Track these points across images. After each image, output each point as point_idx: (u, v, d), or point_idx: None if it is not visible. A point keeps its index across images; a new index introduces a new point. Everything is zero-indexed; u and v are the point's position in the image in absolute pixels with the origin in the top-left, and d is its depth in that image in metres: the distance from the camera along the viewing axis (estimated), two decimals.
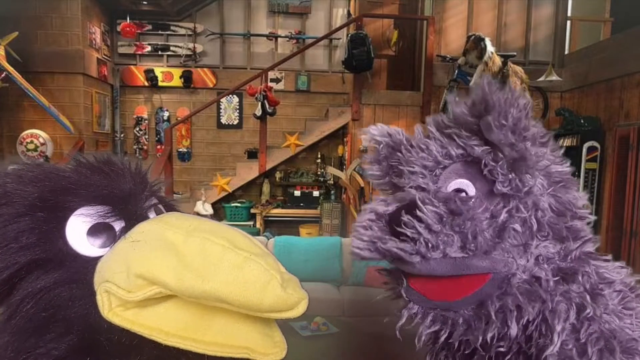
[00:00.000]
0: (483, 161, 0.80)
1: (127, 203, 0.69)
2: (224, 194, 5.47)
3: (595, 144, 4.53)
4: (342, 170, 5.46)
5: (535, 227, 0.81)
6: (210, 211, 5.26)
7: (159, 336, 0.58)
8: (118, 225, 0.67)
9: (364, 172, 5.00)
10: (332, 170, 5.50)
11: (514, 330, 0.78)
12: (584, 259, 0.83)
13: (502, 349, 0.82)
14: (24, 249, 0.63)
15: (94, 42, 5.55)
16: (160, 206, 0.78)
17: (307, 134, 5.49)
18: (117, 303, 0.59)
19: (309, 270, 3.96)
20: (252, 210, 5.63)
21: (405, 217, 0.76)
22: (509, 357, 0.82)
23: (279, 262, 0.64)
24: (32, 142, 4.99)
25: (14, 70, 4.64)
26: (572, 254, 0.82)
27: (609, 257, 0.89)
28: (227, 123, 6.42)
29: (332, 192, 5.92)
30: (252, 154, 5.80)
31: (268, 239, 4.27)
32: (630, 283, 0.84)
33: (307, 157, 6.22)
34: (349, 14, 6.15)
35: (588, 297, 0.78)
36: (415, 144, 0.89)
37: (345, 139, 5.80)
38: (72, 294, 0.63)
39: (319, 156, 6.18)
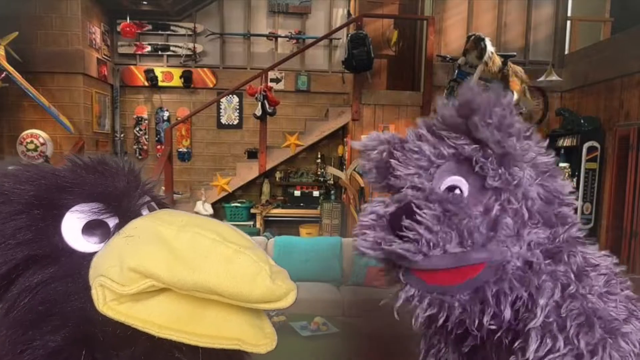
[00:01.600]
0: (474, 158, 0.85)
1: (121, 200, 0.71)
2: (224, 194, 5.47)
3: (595, 144, 4.53)
4: (342, 170, 5.46)
5: (526, 216, 0.86)
6: (210, 211, 5.26)
7: (152, 329, 0.60)
8: (112, 222, 0.69)
9: (363, 172, 5.02)
10: (332, 170, 5.50)
11: (507, 313, 0.84)
12: (571, 242, 0.89)
13: (493, 327, 0.87)
14: (20, 245, 0.65)
15: (94, 42, 5.55)
16: (153, 204, 0.81)
17: (307, 134, 5.49)
18: (111, 297, 0.61)
19: (309, 270, 3.96)
20: (252, 210, 5.63)
21: (406, 222, 0.81)
22: (499, 334, 0.87)
23: (269, 256, 0.67)
24: (32, 142, 4.99)
25: (14, 70, 4.64)
26: (560, 237, 0.88)
27: (595, 244, 0.94)
28: (227, 123, 6.42)
29: (332, 192, 5.92)
30: (252, 154, 5.80)
31: (268, 239, 4.27)
32: (614, 270, 0.89)
33: (307, 157, 6.22)
34: (349, 14, 6.15)
35: (573, 276, 0.83)
36: (407, 146, 0.94)
37: (345, 139, 5.80)
38: (68, 288, 0.65)
39: (319, 156, 6.18)
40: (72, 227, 0.67)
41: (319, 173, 6.12)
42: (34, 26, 5.10)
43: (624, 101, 4.30)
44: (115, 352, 0.64)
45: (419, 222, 0.80)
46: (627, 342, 0.79)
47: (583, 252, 0.88)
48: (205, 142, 6.43)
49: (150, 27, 6.23)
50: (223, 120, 6.41)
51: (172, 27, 6.25)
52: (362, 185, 5.06)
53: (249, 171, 5.47)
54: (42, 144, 5.00)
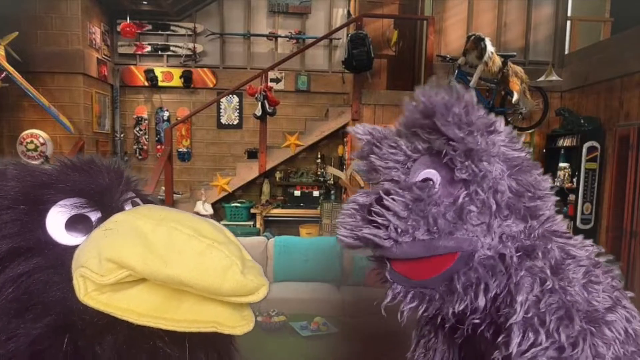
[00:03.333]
0: (443, 151, 0.89)
1: (103, 196, 0.75)
2: (224, 194, 5.47)
3: (595, 144, 4.53)
4: (342, 170, 5.46)
5: (494, 207, 0.89)
6: (210, 211, 5.26)
7: (131, 317, 0.62)
8: (94, 216, 0.73)
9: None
10: (332, 170, 5.50)
11: (481, 301, 0.87)
12: (547, 237, 0.91)
13: (476, 321, 0.91)
14: (5, 237, 0.67)
15: (94, 42, 5.55)
16: (137, 200, 0.84)
17: (307, 134, 5.49)
18: (92, 287, 0.63)
19: (309, 270, 3.96)
20: (252, 210, 5.63)
21: (376, 207, 0.86)
22: (482, 327, 0.91)
23: (244, 250, 0.69)
24: (32, 142, 4.99)
25: (14, 70, 4.64)
26: (535, 232, 0.91)
27: (578, 237, 0.96)
28: (227, 123, 6.42)
29: (332, 192, 5.92)
30: (252, 154, 5.80)
31: (268, 239, 4.26)
32: (596, 260, 0.91)
33: (307, 157, 6.21)
34: (349, 14, 6.15)
35: (549, 271, 0.84)
36: (385, 142, 1.00)
37: (345, 139, 5.80)
38: (50, 279, 0.68)
39: (319, 156, 6.18)
40: (56, 221, 0.70)
41: (319, 173, 6.12)
42: (34, 26, 5.10)
43: (624, 101, 4.30)
44: (97, 340, 0.66)
45: (387, 209, 0.85)
46: (612, 330, 0.80)
47: (563, 245, 0.90)
48: (205, 142, 6.42)
49: (150, 27, 6.23)
50: (223, 120, 6.41)
51: (172, 27, 6.25)
52: (362, 185, 5.06)
53: (249, 171, 5.47)
54: (42, 144, 5.00)
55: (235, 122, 6.41)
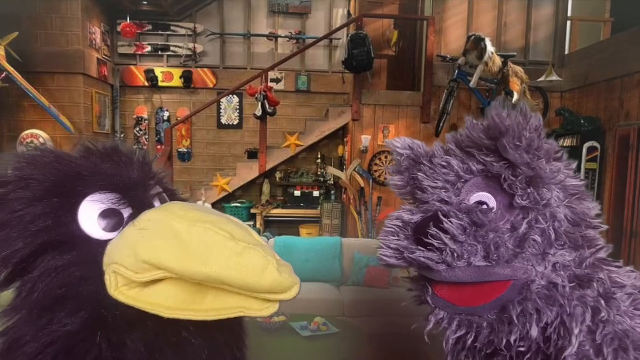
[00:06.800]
0: (502, 176, 0.86)
1: (135, 191, 0.75)
2: (224, 194, 5.47)
3: (595, 144, 4.53)
4: (342, 170, 5.46)
5: (553, 236, 0.86)
6: None
7: (160, 310, 0.65)
8: (126, 212, 0.73)
9: (363, 172, 5.01)
10: (332, 170, 5.50)
11: (534, 332, 0.83)
12: (597, 265, 0.88)
13: (522, 349, 0.87)
14: (40, 231, 0.68)
15: (94, 42, 5.55)
16: (164, 195, 0.85)
17: (307, 134, 5.49)
18: (122, 282, 0.66)
19: (309, 270, 3.96)
20: (252, 210, 5.63)
21: (432, 229, 0.82)
22: (528, 356, 0.87)
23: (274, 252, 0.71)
24: (32, 142, 4.99)
25: (14, 70, 4.64)
26: (587, 261, 0.88)
27: (620, 262, 0.93)
28: (227, 123, 6.42)
29: (332, 192, 5.92)
30: (252, 154, 5.80)
31: (268, 239, 4.26)
32: (639, 286, 0.88)
33: (307, 157, 6.22)
34: (349, 14, 6.15)
35: (602, 302, 0.82)
36: (435, 161, 0.95)
37: (345, 139, 5.80)
38: (84, 273, 0.69)
39: (319, 156, 6.18)
40: (89, 215, 0.71)
41: (319, 173, 6.12)
42: (34, 26, 5.10)
43: (624, 101, 4.29)
44: (128, 334, 0.68)
45: (444, 231, 0.81)
46: None
47: (609, 271, 0.88)
48: (205, 142, 6.42)
49: (150, 27, 6.23)
50: (223, 120, 6.41)
51: (172, 27, 6.25)
52: (362, 185, 5.07)
53: (249, 171, 5.47)
54: (42, 144, 5.00)
55: (235, 122, 6.41)
